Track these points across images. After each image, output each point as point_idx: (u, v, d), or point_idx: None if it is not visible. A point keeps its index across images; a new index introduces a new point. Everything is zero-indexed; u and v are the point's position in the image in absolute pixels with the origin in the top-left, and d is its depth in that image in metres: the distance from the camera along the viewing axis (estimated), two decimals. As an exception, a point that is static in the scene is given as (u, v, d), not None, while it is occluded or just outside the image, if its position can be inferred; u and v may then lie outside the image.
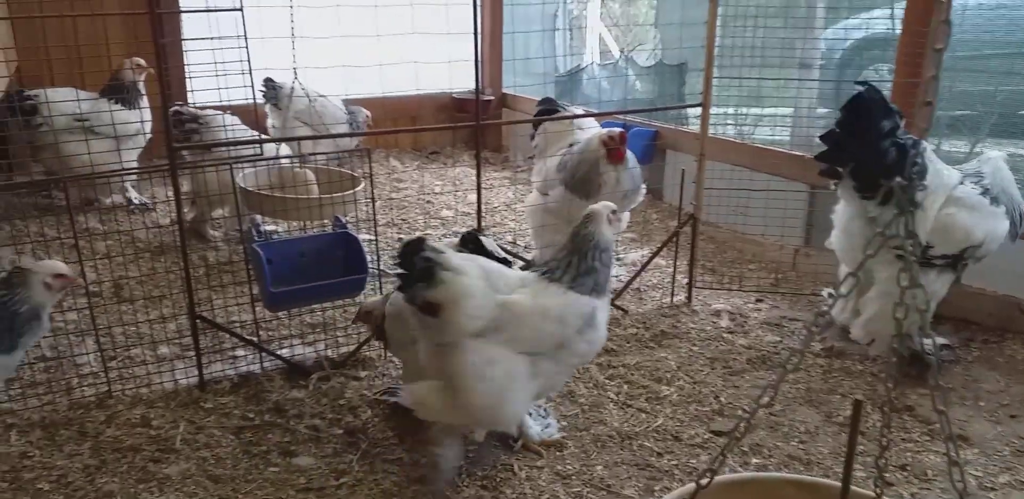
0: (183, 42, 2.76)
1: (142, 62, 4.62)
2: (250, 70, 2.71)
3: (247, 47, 2.71)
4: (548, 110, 4.04)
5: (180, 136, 4.20)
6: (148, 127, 4.59)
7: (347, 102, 5.27)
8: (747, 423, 1.83)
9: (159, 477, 2.41)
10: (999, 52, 4.20)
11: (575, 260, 2.37)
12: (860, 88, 2.81)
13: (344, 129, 5.18)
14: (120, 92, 4.55)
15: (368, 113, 5.31)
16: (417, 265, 2.11)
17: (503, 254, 2.50)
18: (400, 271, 2.15)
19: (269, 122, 5.08)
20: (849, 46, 5.03)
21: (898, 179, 1.50)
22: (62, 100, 4.28)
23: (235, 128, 3.90)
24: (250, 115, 3.57)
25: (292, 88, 4.70)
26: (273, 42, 3.69)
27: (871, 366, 3.22)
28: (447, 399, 2.23)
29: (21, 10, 3.97)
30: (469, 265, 2.21)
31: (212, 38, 2.67)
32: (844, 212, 3.11)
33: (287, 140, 3.49)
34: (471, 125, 3.18)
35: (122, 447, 2.54)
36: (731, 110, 4.74)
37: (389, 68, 3.93)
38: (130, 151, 4.62)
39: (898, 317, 1.59)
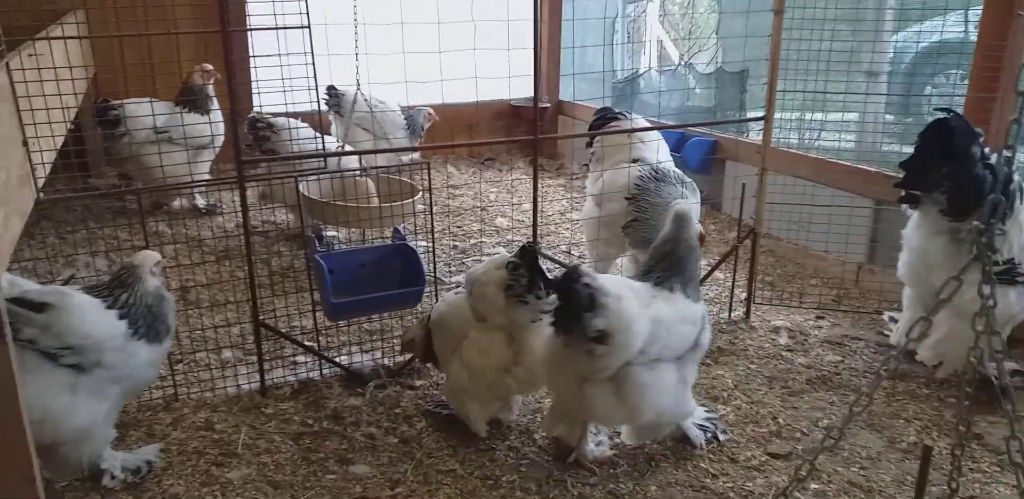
0: (252, 59, 2.84)
1: (210, 68, 4.78)
2: (316, 86, 2.79)
3: (313, 63, 2.78)
4: (606, 119, 4.01)
5: (253, 142, 4.43)
6: (219, 129, 4.75)
7: (404, 108, 5.40)
8: (811, 465, 1.81)
9: (221, 481, 2.49)
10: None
11: (678, 266, 2.53)
12: (943, 114, 2.78)
13: (403, 135, 5.36)
14: (192, 96, 4.72)
15: (429, 110, 5.45)
16: (581, 294, 2.16)
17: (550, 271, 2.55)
18: (558, 304, 2.24)
19: (332, 129, 5.23)
20: (920, 51, 4.87)
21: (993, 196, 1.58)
22: (143, 114, 4.40)
23: (301, 133, 4.00)
24: (315, 122, 3.71)
25: (355, 98, 4.82)
26: (338, 56, 3.78)
27: (938, 390, 3.12)
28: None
29: (99, 27, 4.17)
30: (621, 287, 2.31)
31: (280, 55, 2.74)
32: (920, 236, 3.02)
33: (351, 154, 3.56)
34: (528, 139, 3.18)
35: (187, 450, 2.63)
36: (795, 115, 4.62)
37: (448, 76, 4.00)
38: (204, 159, 4.80)
39: (976, 334, 1.57)
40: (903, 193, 3.00)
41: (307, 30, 2.79)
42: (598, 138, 3.96)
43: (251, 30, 2.98)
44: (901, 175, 3.00)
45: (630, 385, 2.36)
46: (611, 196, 3.69)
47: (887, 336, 3.50)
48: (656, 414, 2.49)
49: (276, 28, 2.76)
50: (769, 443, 2.77)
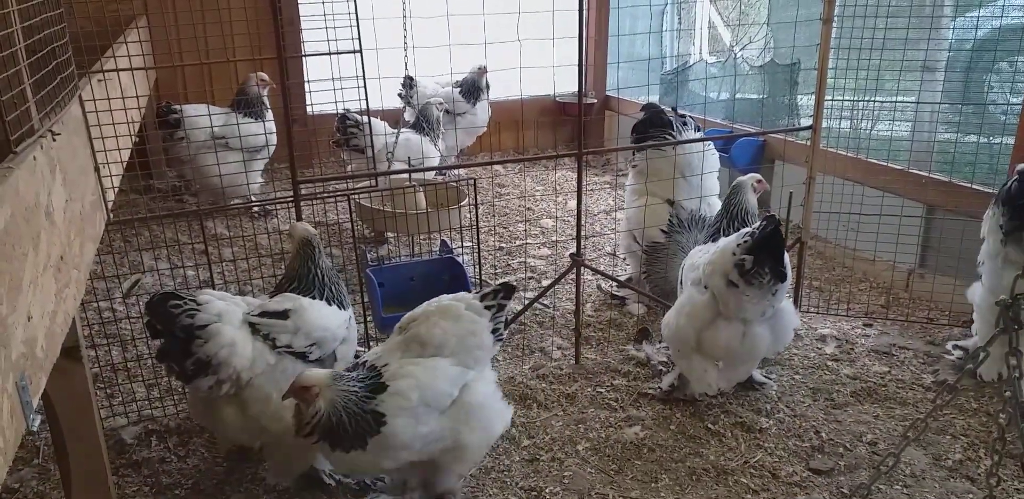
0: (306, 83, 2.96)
1: (265, 77, 4.93)
2: (367, 109, 2.88)
3: (365, 86, 2.87)
4: (652, 120, 3.86)
5: (342, 138, 4.74)
6: (273, 139, 4.92)
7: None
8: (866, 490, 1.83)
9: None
10: None
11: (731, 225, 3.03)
12: None
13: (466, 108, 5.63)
14: (249, 106, 4.88)
15: (481, 67, 5.60)
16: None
17: None
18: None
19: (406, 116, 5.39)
20: (981, 38, 4.66)
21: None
22: (201, 117, 4.58)
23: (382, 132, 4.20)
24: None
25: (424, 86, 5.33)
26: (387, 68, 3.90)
27: (988, 404, 3.08)
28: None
29: (163, 59, 4.38)
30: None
31: (333, 79, 2.84)
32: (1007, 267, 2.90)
33: (400, 172, 3.65)
34: (573, 154, 3.21)
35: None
36: (848, 104, 4.47)
37: (494, 76, 4.06)
38: (258, 162, 4.98)
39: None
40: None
41: (359, 54, 2.87)
42: (641, 153, 3.92)
43: (306, 56, 3.09)
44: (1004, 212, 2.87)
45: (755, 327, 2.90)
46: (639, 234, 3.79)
47: (951, 359, 3.40)
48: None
49: (329, 54, 2.86)
50: (811, 458, 2.79)
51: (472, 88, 5.72)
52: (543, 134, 6.87)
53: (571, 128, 6.73)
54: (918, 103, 4.33)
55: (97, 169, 2.53)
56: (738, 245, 2.75)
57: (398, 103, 5.43)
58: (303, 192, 3.02)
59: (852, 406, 3.10)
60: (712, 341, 2.93)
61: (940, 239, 3.88)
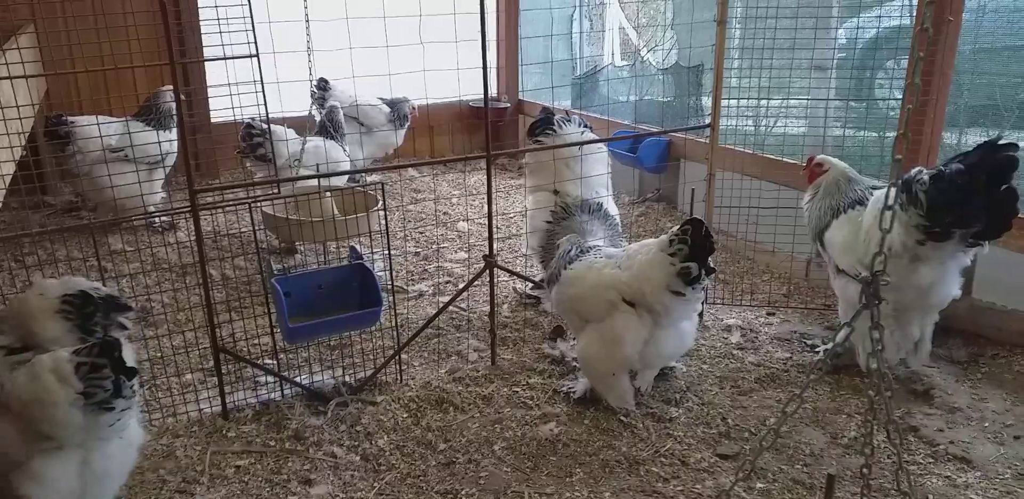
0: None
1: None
2: (267, 115, 2.83)
3: (263, 92, 2.83)
4: (542, 121, 3.91)
5: (247, 148, 4.57)
6: (174, 147, 4.76)
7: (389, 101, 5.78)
8: (751, 466, 1.91)
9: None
10: (1022, 44, 4.12)
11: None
12: (1006, 142, 2.73)
13: (388, 128, 5.74)
14: (157, 116, 4.70)
15: (414, 104, 5.78)
16: None
17: None
18: None
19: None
20: (870, 38, 4.92)
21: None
22: (94, 132, 4.37)
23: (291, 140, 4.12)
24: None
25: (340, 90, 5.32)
26: (289, 71, 3.83)
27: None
28: None
29: (55, 67, 4.20)
30: None
31: (230, 84, 2.78)
32: (941, 268, 2.97)
33: (303, 178, 3.60)
34: (482, 156, 3.23)
35: (150, 479, 2.68)
36: (751, 103, 4.61)
37: (405, 80, 4.05)
38: (158, 173, 4.80)
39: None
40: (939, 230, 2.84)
41: (256, 59, 2.83)
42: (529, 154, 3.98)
43: (204, 61, 3.02)
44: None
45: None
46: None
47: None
48: None
49: (225, 59, 2.80)
50: (719, 444, 2.88)
51: (400, 115, 5.80)
52: (459, 139, 6.88)
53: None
54: (810, 100, 4.55)
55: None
56: (671, 255, 2.77)
57: (303, 109, 5.34)
58: (205, 201, 2.94)
59: (756, 392, 3.22)
60: (656, 353, 2.99)
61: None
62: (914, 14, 3.85)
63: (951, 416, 3.01)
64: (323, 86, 5.50)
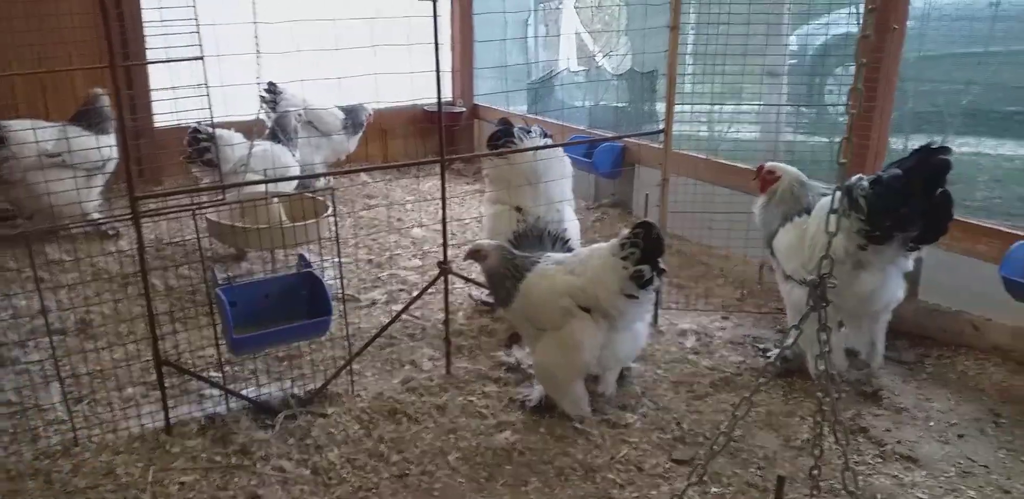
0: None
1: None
2: (212, 117, 2.75)
3: (208, 94, 2.75)
4: (502, 132, 3.85)
5: (194, 153, 4.51)
6: (115, 153, 4.61)
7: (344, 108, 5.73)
8: (703, 469, 1.90)
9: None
10: (965, 51, 4.24)
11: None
12: (937, 147, 2.78)
13: (341, 135, 5.67)
14: (97, 119, 4.55)
15: (370, 111, 5.75)
16: None
17: None
18: None
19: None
20: (820, 45, 5.01)
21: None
22: (26, 129, 4.23)
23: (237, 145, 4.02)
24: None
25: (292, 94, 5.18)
26: (237, 74, 3.74)
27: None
28: None
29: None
30: None
31: (175, 87, 2.70)
32: (881, 275, 3.02)
33: (250, 184, 3.51)
34: (436, 161, 3.19)
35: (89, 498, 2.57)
36: (704, 108, 4.65)
37: (357, 84, 4.00)
38: (97, 179, 4.64)
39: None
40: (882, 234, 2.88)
41: (201, 61, 2.74)
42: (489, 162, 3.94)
43: (147, 63, 2.92)
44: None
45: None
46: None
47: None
48: None
49: (169, 61, 2.71)
50: (674, 449, 2.88)
51: (356, 122, 5.76)
52: (413, 144, 6.82)
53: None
54: (762, 105, 4.62)
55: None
56: (623, 258, 2.77)
57: (250, 113, 5.22)
58: (148, 208, 2.83)
59: (711, 396, 3.23)
60: (613, 356, 2.98)
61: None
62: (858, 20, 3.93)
63: (898, 416, 3.05)
64: (272, 90, 5.40)
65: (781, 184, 3.35)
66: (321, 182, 5.32)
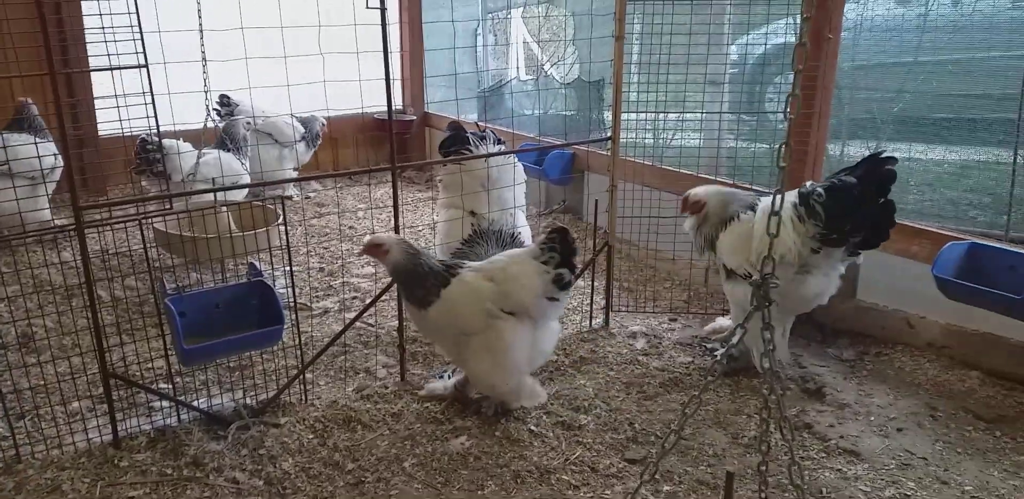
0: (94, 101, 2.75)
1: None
2: (158, 126, 2.72)
3: (153, 103, 2.71)
4: (454, 138, 3.90)
5: (142, 163, 4.47)
6: (60, 161, 4.49)
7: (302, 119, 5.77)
8: (654, 467, 1.95)
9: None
10: (895, 61, 4.45)
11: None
12: (886, 156, 2.93)
13: (301, 145, 5.72)
14: (32, 126, 4.44)
15: (324, 121, 5.82)
16: None
17: None
18: None
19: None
20: (760, 55, 5.18)
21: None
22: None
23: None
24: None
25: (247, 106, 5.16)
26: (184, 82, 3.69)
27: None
28: None
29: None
30: None
31: (118, 96, 2.65)
32: (826, 279, 3.20)
33: (197, 193, 3.47)
34: (387, 168, 3.20)
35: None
36: (650, 116, 4.76)
37: (306, 92, 3.97)
38: (41, 188, 4.51)
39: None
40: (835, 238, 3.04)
41: (145, 69, 2.71)
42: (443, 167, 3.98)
43: (90, 71, 2.88)
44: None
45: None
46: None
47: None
48: None
49: (112, 69, 2.67)
50: (626, 449, 2.94)
51: (312, 134, 5.81)
52: (364, 152, 6.80)
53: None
54: (704, 113, 4.74)
55: None
56: (544, 263, 2.86)
57: (197, 121, 5.15)
58: (93, 219, 2.78)
59: (662, 396, 3.31)
60: (539, 353, 3.08)
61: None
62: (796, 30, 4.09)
63: (841, 412, 3.17)
64: (226, 102, 5.34)
65: (709, 208, 3.44)
66: (292, 190, 5.34)
